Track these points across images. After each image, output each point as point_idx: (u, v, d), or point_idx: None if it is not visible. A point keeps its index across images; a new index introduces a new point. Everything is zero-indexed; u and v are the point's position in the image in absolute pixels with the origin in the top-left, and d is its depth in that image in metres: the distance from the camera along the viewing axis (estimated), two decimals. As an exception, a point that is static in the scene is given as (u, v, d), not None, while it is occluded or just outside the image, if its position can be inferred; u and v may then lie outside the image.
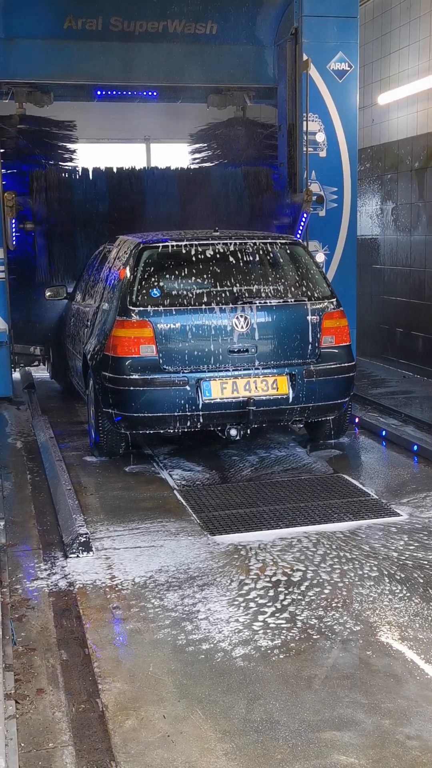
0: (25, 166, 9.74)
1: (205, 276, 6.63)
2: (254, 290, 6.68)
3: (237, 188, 9.59)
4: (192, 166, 11.11)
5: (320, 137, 9.06)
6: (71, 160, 10.54)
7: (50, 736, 3.23)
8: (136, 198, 9.40)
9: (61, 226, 9.20)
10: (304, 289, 6.82)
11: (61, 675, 3.67)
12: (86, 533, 5.11)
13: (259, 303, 6.55)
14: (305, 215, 8.95)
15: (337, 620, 4.11)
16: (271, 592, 4.40)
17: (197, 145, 11.70)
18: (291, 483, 6.18)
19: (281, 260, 7.01)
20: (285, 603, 4.28)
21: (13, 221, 8.57)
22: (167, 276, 6.61)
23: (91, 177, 9.42)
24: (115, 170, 9.56)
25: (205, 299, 6.50)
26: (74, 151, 10.62)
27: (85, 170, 9.46)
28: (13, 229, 8.62)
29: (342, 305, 6.91)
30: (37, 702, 3.45)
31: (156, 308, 6.41)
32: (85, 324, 7.41)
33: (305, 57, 8.87)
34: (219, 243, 6.78)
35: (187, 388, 6.32)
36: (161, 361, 6.36)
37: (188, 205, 9.41)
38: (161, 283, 6.55)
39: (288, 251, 7.06)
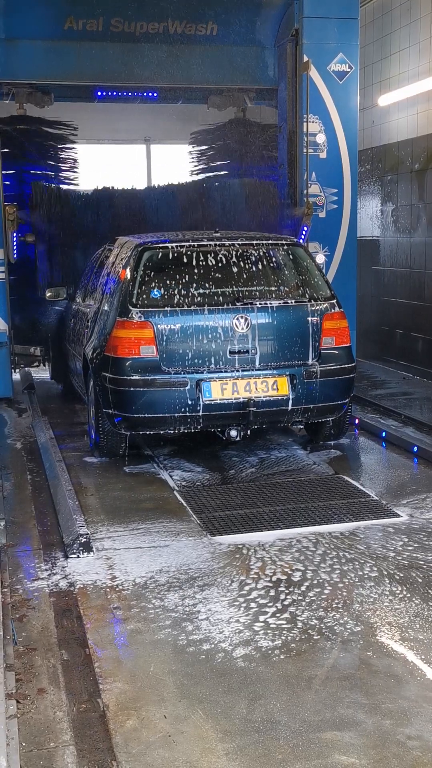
0: (26, 175, 9.83)
1: (205, 277, 6.63)
2: (255, 291, 6.69)
3: (237, 202, 9.63)
4: (191, 179, 11.12)
5: (321, 138, 9.07)
6: (71, 164, 10.59)
7: (51, 735, 3.23)
8: (136, 213, 9.47)
9: (61, 239, 9.29)
10: (304, 290, 6.83)
11: (62, 675, 3.67)
12: (87, 534, 5.11)
13: (260, 304, 6.55)
14: (305, 228, 8.96)
15: (337, 621, 4.11)
16: (272, 593, 4.40)
17: (197, 147, 11.73)
18: (291, 484, 6.19)
19: (282, 261, 7.02)
20: (285, 603, 4.28)
21: (14, 234, 8.57)
22: (167, 277, 6.61)
23: (91, 195, 9.54)
24: (114, 188, 9.67)
25: (206, 300, 6.51)
26: (74, 158, 10.67)
27: (86, 192, 9.58)
28: (14, 242, 8.63)
29: (342, 306, 6.91)
30: (38, 702, 3.46)
31: (156, 309, 6.41)
32: (86, 325, 7.41)
33: (306, 58, 8.88)
34: (219, 244, 6.79)
35: (188, 389, 6.32)
36: (162, 362, 6.36)
37: (188, 218, 9.46)
38: (161, 284, 6.55)
39: (288, 252, 7.07)
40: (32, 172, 10.07)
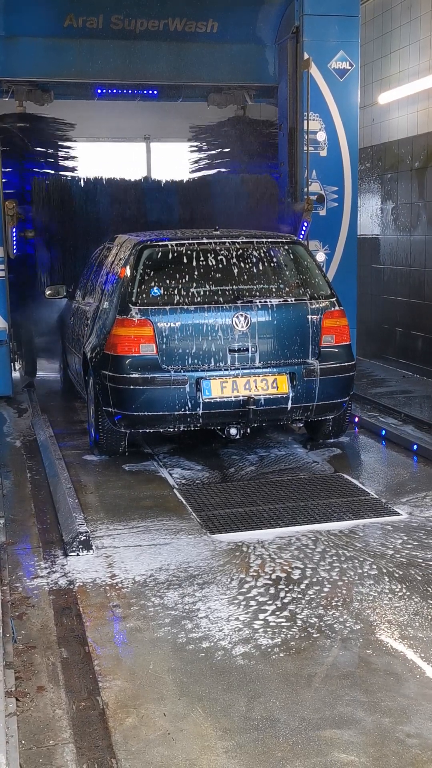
0: (27, 167, 9.79)
1: (205, 275, 6.63)
2: (255, 289, 6.68)
3: (237, 197, 9.62)
4: (192, 176, 11.10)
5: (321, 136, 9.06)
6: (71, 160, 10.58)
7: (51, 733, 3.23)
8: (136, 208, 9.46)
9: (61, 235, 9.27)
10: (304, 288, 6.83)
11: (62, 673, 3.67)
12: (86, 532, 5.12)
13: (260, 302, 6.55)
14: (305, 224, 8.95)
15: (337, 619, 4.11)
16: (271, 591, 4.40)
17: (197, 144, 11.72)
18: (291, 482, 6.19)
19: (282, 259, 7.02)
20: (285, 601, 4.28)
21: (14, 229, 8.56)
22: (167, 275, 6.61)
23: (92, 187, 9.50)
24: (117, 179, 9.63)
25: (206, 298, 6.50)
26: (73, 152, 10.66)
27: (87, 180, 9.52)
28: (14, 237, 8.62)
29: (342, 305, 6.91)
30: (38, 699, 3.46)
31: (156, 307, 6.41)
32: (86, 323, 7.41)
33: (306, 56, 8.87)
34: (219, 242, 6.78)
35: (187, 387, 6.32)
36: (161, 360, 6.36)
37: (189, 213, 9.46)
38: (161, 283, 6.55)
39: (289, 251, 7.06)
40: (34, 170, 10.06)
